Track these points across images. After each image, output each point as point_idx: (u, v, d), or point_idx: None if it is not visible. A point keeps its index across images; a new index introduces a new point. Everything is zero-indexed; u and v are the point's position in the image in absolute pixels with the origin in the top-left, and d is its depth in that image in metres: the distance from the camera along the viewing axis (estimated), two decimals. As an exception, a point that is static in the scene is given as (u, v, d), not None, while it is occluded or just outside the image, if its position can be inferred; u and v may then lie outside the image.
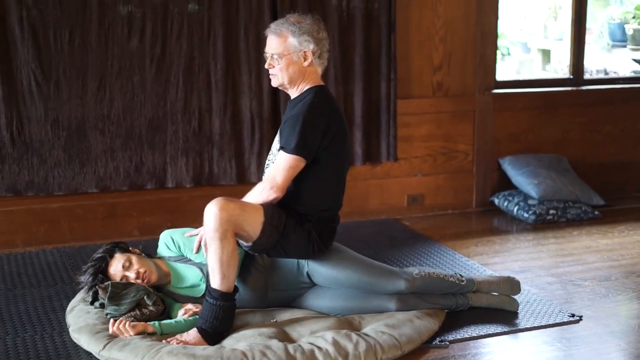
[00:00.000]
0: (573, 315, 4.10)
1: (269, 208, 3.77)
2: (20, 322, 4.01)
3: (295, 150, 3.73)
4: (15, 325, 3.97)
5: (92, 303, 3.97)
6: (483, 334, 3.89)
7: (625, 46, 8.21)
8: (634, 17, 8.21)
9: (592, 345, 3.80)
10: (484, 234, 5.62)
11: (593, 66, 8.03)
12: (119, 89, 5.22)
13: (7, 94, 5.04)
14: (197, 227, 4.40)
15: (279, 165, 3.76)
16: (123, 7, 5.16)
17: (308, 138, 3.74)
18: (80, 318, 3.87)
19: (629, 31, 8.02)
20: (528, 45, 9.45)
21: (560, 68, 8.79)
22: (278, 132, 3.96)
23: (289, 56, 3.84)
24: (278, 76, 3.88)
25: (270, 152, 4.02)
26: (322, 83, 3.95)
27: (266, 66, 3.91)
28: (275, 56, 3.85)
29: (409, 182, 6.03)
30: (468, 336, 3.87)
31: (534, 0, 9.29)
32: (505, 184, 6.20)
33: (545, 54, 9.42)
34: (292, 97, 3.95)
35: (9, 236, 5.20)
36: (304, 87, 3.89)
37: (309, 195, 3.86)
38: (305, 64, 3.86)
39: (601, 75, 7.51)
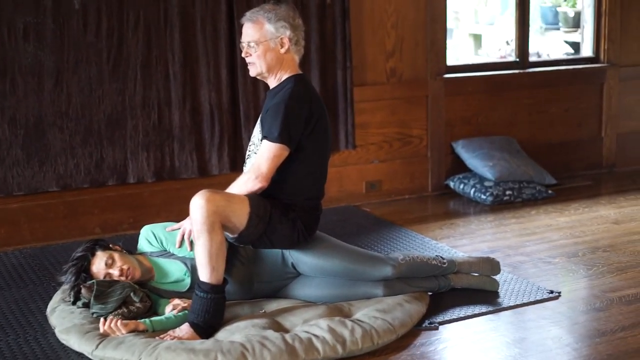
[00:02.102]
0: (552, 292, 4.19)
1: (254, 198, 3.75)
2: (0, 326, 3.91)
3: (278, 139, 3.72)
4: (-6, 329, 3.87)
5: (74, 303, 3.89)
6: (469, 314, 3.95)
7: (558, 29, 8.40)
8: (565, 0, 8.40)
9: (575, 320, 3.89)
10: (445, 216, 5.70)
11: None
12: (76, 84, 5.12)
13: (-38, 93, 4.90)
14: (160, 222, 4.37)
15: (263, 155, 3.75)
16: (77, 0, 5.04)
17: (291, 126, 3.73)
18: (65, 319, 3.78)
19: (562, 14, 8.20)
20: (454, 31, 9.58)
21: (493, 52, 8.95)
22: (258, 122, 3.94)
23: (265, 43, 3.82)
24: (256, 64, 3.85)
25: (250, 143, 4.00)
26: (300, 71, 3.94)
27: (243, 55, 3.89)
28: (252, 44, 3.84)
29: (367, 168, 6.06)
30: (455, 317, 3.92)
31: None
32: (459, 167, 6.29)
33: (477, 38, 9.56)
34: (271, 87, 3.93)
35: (-32, 239, 5.06)
36: (283, 75, 3.88)
37: (293, 184, 3.85)
38: (282, 50, 3.85)
39: (534, 58, 7.66)
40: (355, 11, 5.79)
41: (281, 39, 3.84)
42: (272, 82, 3.93)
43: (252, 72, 3.92)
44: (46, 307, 4.03)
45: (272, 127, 3.75)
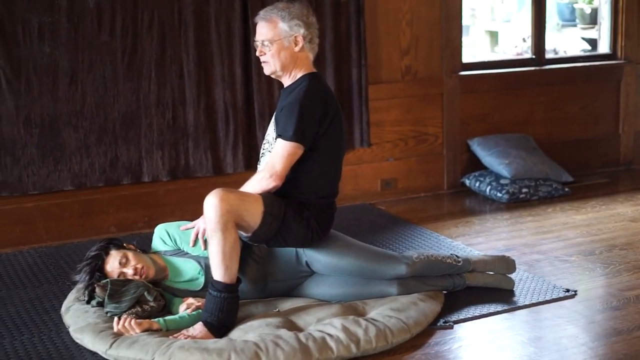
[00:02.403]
0: (568, 291, 4.16)
1: (268, 197, 3.74)
2: (14, 324, 3.91)
3: (293, 137, 3.71)
4: (9, 328, 3.87)
5: (88, 302, 3.89)
6: (485, 313, 3.93)
7: (574, 25, 8.35)
8: (582, -3, 8.34)
9: (591, 318, 3.86)
10: (460, 215, 5.67)
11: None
12: (90, 83, 5.12)
13: (-23, 93, 4.91)
14: (176, 221, 4.37)
15: (278, 153, 3.74)
16: (91, 0, 5.05)
17: (306, 125, 3.72)
18: (79, 318, 3.78)
19: (578, 10, 8.15)
20: (470, 28, 9.54)
21: (509, 49, 8.91)
22: (272, 120, 3.93)
23: (279, 42, 3.81)
24: (270, 63, 3.84)
25: (264, 141, 3.99)
26: (315, 70, 3.93)
27: (257, 54, 3.88)
28: (266, 42, 3.82)
29: (382, 166, 6.04)
30: (470, 316, 3.90)
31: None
32: (474, 165, 6.26)
33: (493, 35, 9.52)
34: (285, 85, 3.92)
35: (-16, 238, 5.08)
36: (297, 74, 3.87)
37: (307, 183, 3.84)
38: (297, 49, 3.83)
39: (551, 55, 7.62)
40: (370, 9, 5.78)
41: (295, 37, 3.83)
42: (287, 81, 3.91)
43: (267, 70, 3.91)
44: (61, 306, 4.04)
45: (287, 126, 3.74)
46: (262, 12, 3.89)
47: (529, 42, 6.79)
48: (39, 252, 5.03)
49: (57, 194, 5.18)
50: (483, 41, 9.51)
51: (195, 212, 4.10)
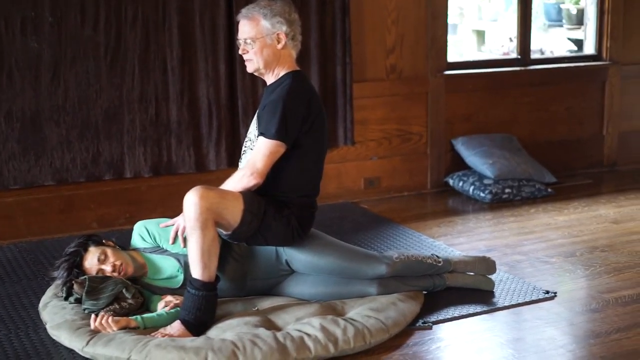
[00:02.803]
0: (548, 292, 4.16)
1: (248, 195, 3.72)
2: (-8, 320, 3.90)
3: (275, 136, 3.69)
4: (-14, 324, 3.85)
5: (66, 298, 3.86)
6: (464, 314, 3.92)
7: (561, 26, 8.36)
8: (569, -3, 8.35)
9: (571, 320, 3.86)
10: (443, 214, 5.67)
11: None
12: (73, 78, 5.09)
13: (-42, 86, 4.88)
14: (157, 217, 4.35)
15: (259, 151, 3.72)
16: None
17: (288, 123, 3.71)
18: (56, 314, 3.76)
19: (565, 11, 8.16)
20: (458, 27, 9.54)
21: (496, 49, 8.91)
22: (255, 118, 3.92)
23: (262, 39, 3.80)
24: (253, 61, 3.83)
25: (246, 139, 3.97)
26: (298, 68, 3.91)
27: (240, 52, 3.87)
28: (248, 40, 3.81)
29: (365, 165, 6.03)
30: (449, 316, 3.89)
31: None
32: (458, 165, 6.26)
33: (480, 34, 9.52)
34: (268, 83, 3.91)
35: (-37, 233, 5.05)
36: (280, 71, 3.86)
37: (288, 181, 3.83)
38: (279, 46, 3.82)
39: (537, 55, 7.62)
40: (355, 7, 5.77)
41: (277, 34, 3.82)
42: (270, 79, 3.90)
43: (250, 68, 3.89)
44: (39, 302, 4.01)
45: (269, 124, 3.72)
46: (244, 10, 3.88)
47: (516, 42, 6.78)
48: (19, 247, 5.00)
49: (38, 188, 5.16)
50: (470, 40, 9.52)
51: (177, 209, 4.07)
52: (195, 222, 3.55)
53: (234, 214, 3.67)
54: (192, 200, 3.56)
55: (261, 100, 3.96)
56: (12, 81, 4.96)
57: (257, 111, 3.92)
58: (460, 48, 9.31)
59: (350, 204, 5.88)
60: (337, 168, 5.90)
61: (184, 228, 3.78)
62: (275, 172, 3.78)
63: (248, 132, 3.99)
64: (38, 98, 5.03)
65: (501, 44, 8.77)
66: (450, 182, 6.19)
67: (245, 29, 3.83)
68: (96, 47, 5.11)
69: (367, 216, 5.59)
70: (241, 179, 3.75)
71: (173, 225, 3.95)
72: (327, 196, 5.79)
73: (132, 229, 4.15)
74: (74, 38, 5.05)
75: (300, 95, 3.78)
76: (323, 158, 3.97)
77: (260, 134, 3.75)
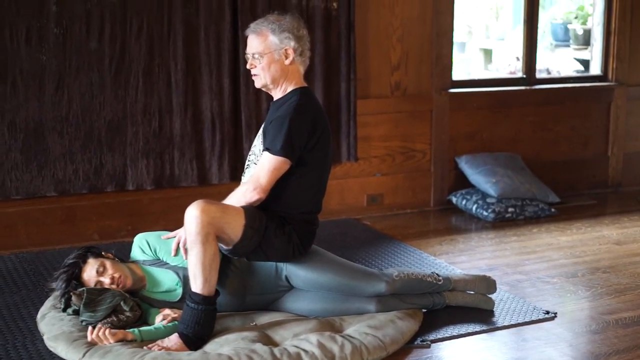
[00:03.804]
0: (548, 312, 4.14)
1: (249, 210, 3.71)
2: (-11, 331, 3.89)
3: (281, 152, 3.69)
4: (-16, 334, 3.84)
5: (64, 310, 3.86)
6: (463, 332, 3.90)
7: (568, 46, 8.36)
8: (576, 17, 8.36)
9: (570, 342, 3.84)
10: (445, 232, 5.65)
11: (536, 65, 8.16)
12: (77, 89, 5.10)
13: (-38, 96, 4.89)
14: (159, 230, 4.35)
15: (264, 167, 3.71)
16: (81, 6, 5.03)
17: (294, 139, 3.70)
18: (54, 326, 3.75)
19: (572, 31, 8.16)
20: (466, 45, 9.56)
21: (503, 67, 8.92)
22: (260, 132, 3.92)
23: (270, 54, 3.80)
24: (260, 76, 3.83)
25: (250, 153, 3.97)
26: (305, 84, 3.91)
27: (248, 66, 3.87)
28: (256, 55, 3.81)
29: (368, 181, 6.02)
30: (448, 335, 3.87)
31: (475, 0, 9.40)
32: (461, 183, 6.25)
33: (487, 53, 9.54)
34: (275, 98, 3.91)
35: (-36, 242, 5.05)
36: (288, 87, 3.86)
37: (290, 198, 3.82)
38: (287, 62, 3.82)
39: (544, 75, 7.63)
40: (360, 24, 5.77)
41: (285, 50, 3.82)
42: (277, 94, 3.90)
43: (257, 83, 3.89)
44: (37, 313, 4.00)
45: (275, 140, 3.72)
46: (252, 25, 3.88)
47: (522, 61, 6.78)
48: (20, 257, 5.00)
49: (40, 199, 5.15)
50: (478, 59, 9.53)
51: (179, 222, 4.05)
52: (196, 236, 3.54)
53: (235, 228, 3.66)
54: (193, 214, 3.56)
55: (267, 115, 3.95)
56: (16, 91, 4.97)
57: (263, 126, 3.91)
58: (468, 66, 9.33)
59: (352, 220, 5.87)
60: (340, 184, 5.89)
61: (186, 240, 3.77)
62: (278, 188, 3.77)
63: (252, 147, 3.99)
64: (42, 109, 5.04)
65: (508, 63, 8.79)
66: (454, 200, 6.17)
67: (254, 44, 3.83)
68: (101, 58, 5.12)
69: (369, 233, 5.58)
70: (244, 194, 3.74)
71: (174, 237, 3.93)
72: (329, 212, 5.77)
73: (133, 242, 4.15)
74: (78, 49, 5.06)
75: (307, 112, 3.78)
76: (327, 175, 3.96)
77: (266, 149, 3.75)
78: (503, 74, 8.43)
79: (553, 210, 6.08)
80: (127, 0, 5.12)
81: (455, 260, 5.02)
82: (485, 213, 5.88)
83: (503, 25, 9.42)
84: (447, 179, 6.27)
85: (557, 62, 8.48)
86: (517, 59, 8.27)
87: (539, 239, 5.48)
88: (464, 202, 6.07)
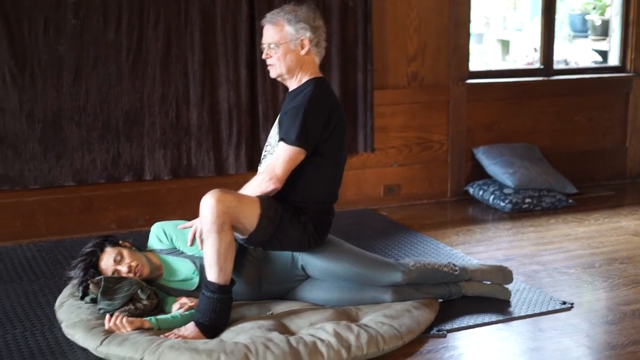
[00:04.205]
0: (564, 303, 4.13)
1: (265, 200, 3.72)
2: (8, 318, 3.91)
3: (296, 142, 3.69)
4: (2, 322, 3.87)
5: (82, 298, 3.88)
6: (479, 322, 3.90)
7: (586, 37, 8.32)
8: (594, 8, 8.31)
9: (587, 332, 3.82)
10: (462, 223, 5.64)
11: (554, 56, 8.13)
12: (95, 80, 5.13)
13: (-19, 86, 4.92)
14: (175, 219, 4.36)
15: (279, 157, 3.72)
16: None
17: (309, 130, 3.70)
18: (72, 314, 3.78)
19: (590, 22, 8.12)
20: (484, 36, 9.52)
21: (520, 58, 8.88)
22: (276, 123, 3.92)
23: (285, 45, 3.80)
24: (276, 66, 3.83)
25: (267, 144, 3.98)
26: (321, 74, 3.91)
27: (263, 56, 3.87)
28: (272, 45, 3.82)
29: (385, 172, 6.02)
30: (464, 325, 3.87)
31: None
32: (478, 174, 6.24)
33: (505, 44, 9.50)
34: (290, 89, 3.91)
35: (-17, 231, 5.09)
36: (303, 78, 3.86)
37: (306, 188, 3.82)
38: (303, 52, 3.82)
39: (562, 66, 7.59)
40: (377, 14, 5.76)
41: (301, 40, 3.82)
42: (292, 84, 3.90)
43: (273, 73, 3.89)
44: (55, 301, 4.03)
45: (290, 130, 3.72)
46: (268, 15, 3.88)
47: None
48: (38, 246, 5.03)
49: (58, 189, 5.19)
50: (495, 50, 9.49)
51: (196, 212, 4.07)
52: (211, 225, 3.56)
53: (251, 218, 3.67)
54: (209, 203, 3.57)
55: (282, 106, 3.96)
56: (34, 82, 5.00)
57: (279, 116, 3.92)
58: (485, 57, 9.30)
59: (369, 211, 5.88)
60: (357, 175, 5.89)
61: (202, 230, 3.78)
62: (294, 178, 3.77)
63: (268, 137, 3.99)
64: (60, 99, 5.07)
65: (526, 54, 8.75)
66: (470, 190, 6.17)
67: (269, 34, 3.84)
68: (118, 49, 5.14)
69: (386, 223, 5.58)
70: (260, 184, 3.74)
71: (191, 227, 3.94)
72: (346, 202, 5.78)
73: (150, 231, 4.17)
74: (96, 40, 5.08)
75: (322, 102, 3.78)
76: (342, 166, 3.96)
77: (281, 139, 3.75)
78: (521, 65, 8.40)
79: (570, 201, 6.06)
80: (144, -10, 5.14)
81: (472, 250, 5.02)
82: (502, 204, 5.87)
83: (521, 16, 9.37)
84: (464, 169, 6.26)
85: (575, 53, 8.44)
86: (535, 49, 8.25)
87: (556, 229, 5.47)
88: (481, 192, 6.07)
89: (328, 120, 3.78)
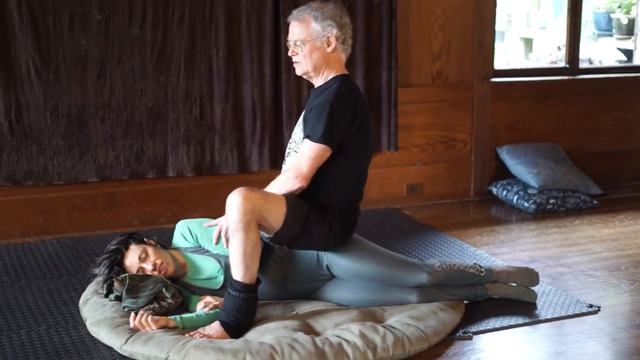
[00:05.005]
0: (591, 306, 4.09)
1: (291, 198, 3.70)
2: (32, 315, 3.91)
3: (322, 139, 3.66)
4: (27, 318, 3.87)
5: (106, 295, 3.88)
6: (505, 325, 3.87)
7: (611, 35, 8.26)
8: (619, 7, 8.25)
9: (614, 336, 3.79)
10: (486, 223, 5.61)
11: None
12: (119, 76, 5.11)
13: (6, 81, 4.91)
14: (199, 217, 4.35)
15: (305, 154, 3.69)
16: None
17: (335, 127, 3.67)
18: (97, 311, 3.77)
19: (615, 21, 8.06)
20: (505, 34, 9.46)
21: (544, 57, 8.82)
22: (300, 120, 3.89)
23: (312, 42, 3.77)
24: (302, 63, 3.80)
25: (290, 141, 3.95)
26: (347, 72, 3.88)
27: (289, 54, 3.84)
28: (298, 43, 3.79)
29: (408, 171, 5.99)
30: (490, 327, 3.84)
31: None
32: (502, 173, 6.19)
33: (528, 42, 9.43)
34: (316, 86, 3.88)
35: (7, 227, 5.08)
36: (329, 75, 3.83)
37: (331, 186, 3.79)
38: (329, 49, 3.79)
39: (586, 65, 7.54)
40: (402, 12, 5.73)
41: (328, 37, 3.79)
42: (318, 81, 3.87)
43: (298, 71, 3.86)
44: (79, 298, 4.03)
45: (316, 127, 3.69)
46: (295, 12, 3.85)
47: (564, 51, 6.70)
48: (61, 242, 5.03)
49: (81, 185, 5.18)
50: (518, 48, 9.43)
51: (219, 209, 4.06)
52: (238, 223, 3.53)
53: (277, 216, 3.64)
54: (235, 201, 3.54)
55: (307, 103, 3.93)
56: (58, 77, 4.99)
57: (303, 113, 3.89)
58: (507, 56, 9.24)
59: (392, 210, 5.85)
60: (380, 173, 5.85)
61: (227, 229, 3.76)
62: (319, 176, 3.74)
63: (292, 134, 3.97)
64: (84, 95, 5.06)
65: (549, 52, 8.69)
66: (494, 190, 6.12)
67: (296, 31, 3.81)
68: (143, 45, 5.13)
69: (409, 222, 5.55)
70: (285, 182, 3.72)
71: (216, 225, 3.92)
72: (369, 201, 5.73)
73: (173, 228, 4.16)
74: (121, 36, 5.07)
75: (348, 99, 3.75)
76: (368, 164, 3.93)
77: (306, 136, 3.72)
78: (544, 63, 8.34)
79: (595, 202, 6.01)
80: (170, -14, 5.13)
81: (496, 251, 4.98)
82: (526, 204, 5.83)
83: (544, 14, 9.31)
84: (488, 169, 6.21)
85: (600, 52, 8.37)
86: (559, 48, 8.19)
87: (581, 231, 5.42)
88: (504, 192, 6.02)
89: (354, 118, 3.75)
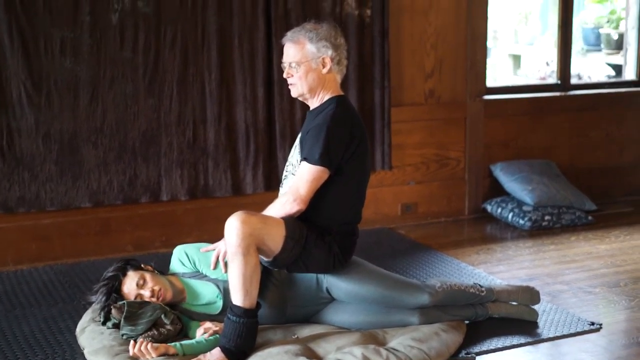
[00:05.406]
0: (593, 324, 4.06)
1: (290, 222, 3.66)
2: (28, 344, 3.85)
3: (319, 161, 3.64)
4: (23, 348, 3.81)
5: (104, 323, 3.82)
6: (507, 345, 3.84)
7: (599, 50, 8.28)
8: (608, 22, 8.27)
9: (617, 354, 3.77)
10: (482, 241, 5.58)
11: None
12: (111, 100, 5.07)
13: (-4, 106, 4.87)
14: (193, 241, 4.31)
15: (303, 177, 3.66)
16: (114, 16, 5.01)
17: (332, 149, 3.65)
18: (94, 340, 3.72)
19: (604, 36, 8.09)
20: (491, 50, 9.48)
21: (532, 73, 8.84)
22: (297, 142, 3.87)
23: (307, 63, 3.75)
24: (297, 85, 3.78)
25: (287, 164, 3.92)
26: (342, 93, 3.86)
27: (285, 76, 3.81)
28: (293, 64, 3.76)
29: (402, 190, 5.97)
30: (493, 347, 3.81)
31: (503, 5, 9.32)
32: (496, 191, 6.17)
33: (516, 59, 9.45)
34: (312, 108, 3.85)
35: (0, 254, 5.01)
36: (325, 96, 3.80)
37: (330, 208, 3.76)
38: (324, 70, 3.77)
39: (575, 80, 7.54)
40: (394, 31, 5.72)
41: (323, 59, 3.77)
42: (314, 103, 3.85)
43: (294, 93, 3.84)
44: (76, 326, 3.97)
45: (313, 149, 3.67)
46: (289, 33, 3.83)
47: (553, 66, 6.70)
48: (55, 269, 4.97)
49: (74, 210, 5.13)
50: (505, 64, 9.45)
51: (213, 232, 4.04)
52: (237, 247, 3.49)
53: (276, 240, 3.61)
54: (234, 225, 3.50)
55: (303, 125, 3.90)
56: (50, 102, 4.95)
57: (299, 136, 3.86)
58: (494, 72, 9.25)
59: (387, 230, 5.81)
60: (374, 193, 5.82)
61: (225, 253, 3.72)
62: (317, 199, 3.71)
63: (289, 157, 3.94)
64: (76, 120, 5.02)
65: (537, 69, 8.70)
66: (489, 208, 6.10)
67: (290, 53, 3.79)
68: (135, 68, 5.09)
69: (404, 242, 5.52)
70: (284, 205, 3.69)
71: (214, 250, 3.89)
72: (363, 221, 5.56)
73: (167, 253, 4.12)
74: (112, 59, 5.04)
75: (344, 121, 3.72)
76: (366, 184, 3.91)
77: (304, 159, 3.69)
78: (533, 79, 8.35)
79: (590, 217, 5.99)
80: (161, 9, 5.09)
81: (494, 270, 4.95)
82: (521, 221, 5.81)
83: (532, 31, 9.33)
84: (482, 186, 6.20)
85: (588, 67, 8.39)
86: (547, 64, 8.21)
87: (577, 247, 5.40)
88: (499, 210, 6.00)
89: (351, 139, 3.73)
